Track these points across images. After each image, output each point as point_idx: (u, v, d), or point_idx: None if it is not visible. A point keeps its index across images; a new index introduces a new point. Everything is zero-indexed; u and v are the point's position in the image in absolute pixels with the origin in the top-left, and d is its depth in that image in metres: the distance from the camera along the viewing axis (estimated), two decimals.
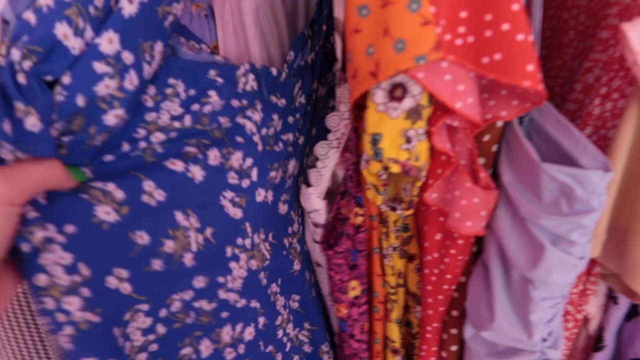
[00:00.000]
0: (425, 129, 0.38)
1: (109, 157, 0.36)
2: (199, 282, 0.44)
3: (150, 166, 0.39)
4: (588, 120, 0.44)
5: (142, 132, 0.37)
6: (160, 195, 0.39)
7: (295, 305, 0.55)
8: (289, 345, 0.54)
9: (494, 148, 0.43)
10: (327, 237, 0.51)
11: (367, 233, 0.52)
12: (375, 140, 0.37)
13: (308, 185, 0.50)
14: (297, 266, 0.54)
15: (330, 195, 0.51)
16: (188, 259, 0.42)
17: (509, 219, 0.41)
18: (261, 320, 0.50)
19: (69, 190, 0.35)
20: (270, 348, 0.52)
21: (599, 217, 0.35)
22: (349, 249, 0.49)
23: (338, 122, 0.50)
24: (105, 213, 0.37)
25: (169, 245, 0.41)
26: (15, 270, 0.35)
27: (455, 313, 0.49)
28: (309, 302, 0.56)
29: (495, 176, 0.43)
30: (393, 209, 0.46)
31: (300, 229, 0.54)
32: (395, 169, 0.38)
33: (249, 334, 0.49)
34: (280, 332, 0.53)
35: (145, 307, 0.42)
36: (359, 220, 0.49)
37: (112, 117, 0.33)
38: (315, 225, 0.51)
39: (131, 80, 0.33)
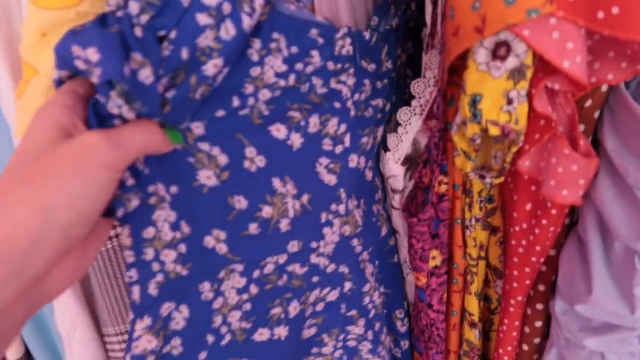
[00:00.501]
0: (527, 91, 0.36)
1: (220, 112, 0.37)
2: (293, 246, 0.45)
3: (256, 129, 0.40)
4: None
5: (249, 87, 0.37)
6: (260, 161, 0.41)
7: (376, 270, 0.56)
8: (372, 312, 0.55)
9: (596, 114, 0.40)
10: (407, 205, 0.50)
11: (449, 203, 0.51)
12: (474, 102, 0.36)
13: (386, 150, 0.50)
14: (384, 232, 0.55)
15: (411, 163, 0.50)
16: (284, 224, 0.44)
17: (611, 188, 0.38)
18: (347, 284, 0.51)
19: (178, 151, 0.37)
20: (352, 312, 0.53)
21: None
22: (432, 217, 0.48)
23: (423, 88, 0.49)
24: (207, 177, 0.39)
25: (267, 211, 0.42)
26: (107, 225, 0.35)
27: (542, 288, 0.48)
28: (387, 265, 0.56)
29: (595, 144, 0.41)
30: (482, 177, 0.44)
31: (383, 196, 0.55)
32: (494, 131, 0.37)
33: (332, 295, 0.50)
34: (366, 299, 0.54)
35: (239, 267, 0.43)
36: (443, 188, 0.48)
37: (211, 67, 0.33)
38: (394, 191, 0.51)
39: (227, 31, 0.33)
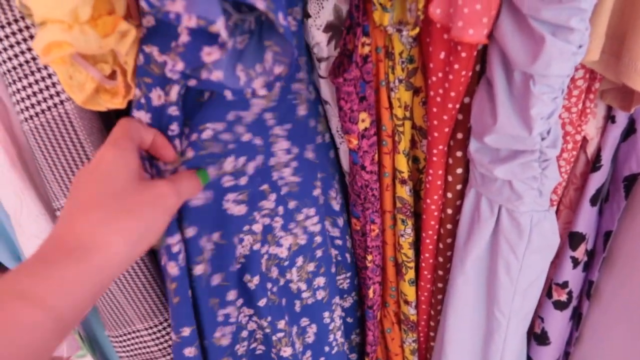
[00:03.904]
0: None
1: None
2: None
3: None
4: None
5: None
6: None
7: (310, 155, 0.58)
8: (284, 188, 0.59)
9: None
10: (334, 71, 0.53)
11: (374, 67, 0.53)
12: None
13: (307, 17, 0.51)
14: (302, 112, 0.56)
15: (334, 30, 0.52)
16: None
17: (510, 23, 0.42)
18: (259, 157, 0.54)
19: None
20: (264, 187, 0.56)
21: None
22: (357, 78, 0.51)
23: None
24: None
25: None
26: None
27: (460, 135, 0.52)
28: (317, 147, 0.59)
29: None
30: (399, 31, 0.47)
31: (307, 77, 0.56)
32: None
33: (250, 167, 0.54)
34: (275, 175, 0.57)
35: None
36: (366, 50, 0.50)
37: None
38: (319, 60, 0.53)
39: None
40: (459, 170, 0.55)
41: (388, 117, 0.55)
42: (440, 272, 0.63)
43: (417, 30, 0.46)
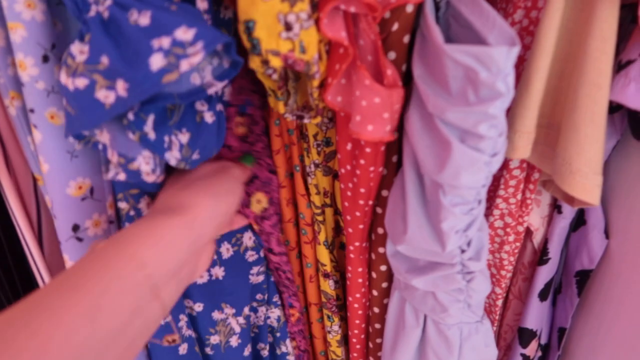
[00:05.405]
0: (309, 14, 0.32)
1: None
2: None
3: None
4: (518, 1, 0.38)
5: None
6: None
7: None
8: None
9: (406, 39, 0.37)
10: None
11: (287, 151, 0.47)
12: (248, 29, 0.31)
13: None
14: None
15: None
16: None
17: (419, 120, 0.35)
18: None
19: None
20: None
21: (507, 104, 0.30)
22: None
23: None
24: None
25: None
26: None
27: (381, 231, 0.45)
28: None
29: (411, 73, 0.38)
30: (300, 117, 0.40)
31: None
32: (275, 62, 0.32)
33: None
34: None
35: None
36: (241, 130, 0.44)
37: None
38: None
39: None
40: (383, 268, 0.47)
41: (305, 205, 0.48)
42: None
43: (318, 119, 0.40)
